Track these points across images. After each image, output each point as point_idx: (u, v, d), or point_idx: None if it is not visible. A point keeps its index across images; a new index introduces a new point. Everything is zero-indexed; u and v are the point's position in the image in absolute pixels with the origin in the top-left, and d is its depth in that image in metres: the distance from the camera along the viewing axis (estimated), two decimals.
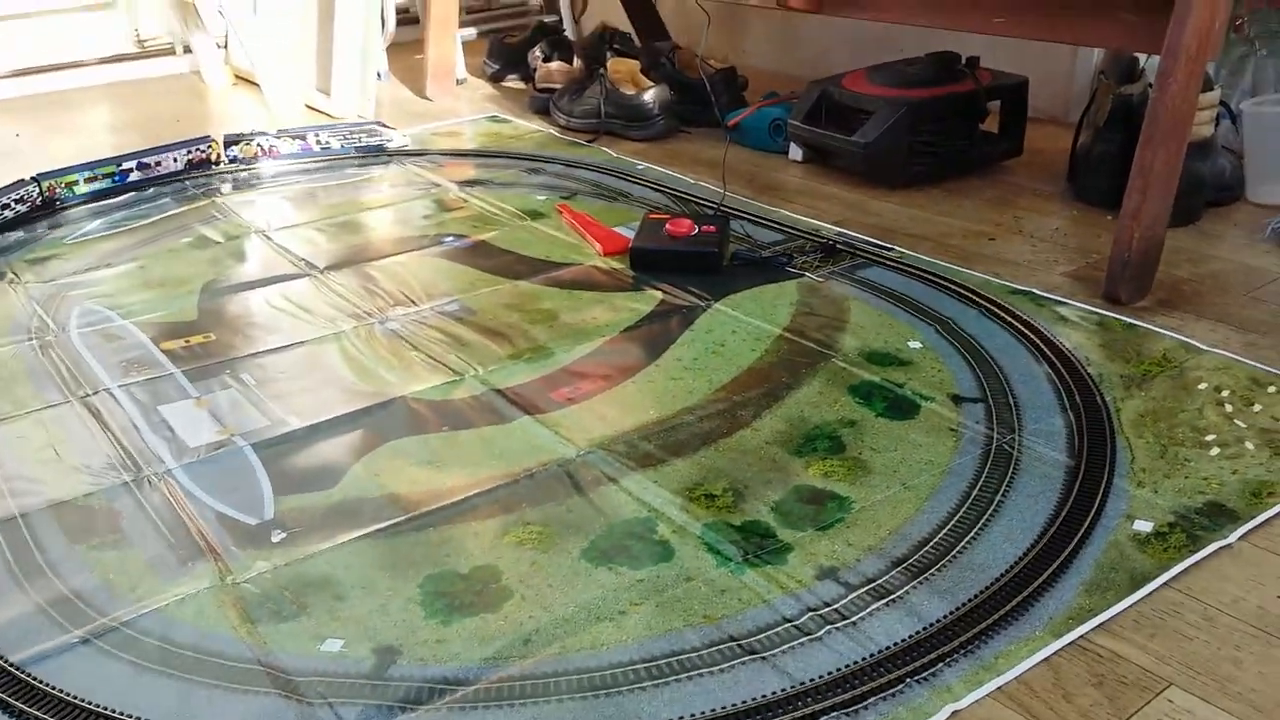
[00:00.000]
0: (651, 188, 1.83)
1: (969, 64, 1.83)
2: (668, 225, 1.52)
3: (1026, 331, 1.28)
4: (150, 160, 1.74)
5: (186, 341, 1.33)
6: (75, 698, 0.79)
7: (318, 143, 1.65)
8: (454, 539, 0.96)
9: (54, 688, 0.80)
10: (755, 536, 0.94)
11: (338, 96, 2.32)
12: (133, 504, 1.01)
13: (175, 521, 0.98)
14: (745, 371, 1.22)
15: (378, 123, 1.66)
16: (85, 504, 1.01)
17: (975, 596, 0.86)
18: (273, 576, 0.91)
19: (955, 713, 0.76)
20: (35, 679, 0.80)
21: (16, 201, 1.75)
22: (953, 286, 1.41)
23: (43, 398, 1.21)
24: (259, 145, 1.76)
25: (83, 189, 1.81)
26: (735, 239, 1.58)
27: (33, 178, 1.79)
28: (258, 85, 2.48)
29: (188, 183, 1.90)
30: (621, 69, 2.18)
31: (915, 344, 1.26)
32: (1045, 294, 1.38)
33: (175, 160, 1.77)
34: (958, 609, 0.85)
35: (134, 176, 1.82)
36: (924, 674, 0.79)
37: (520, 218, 1.71)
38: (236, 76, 2.68)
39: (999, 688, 0.78)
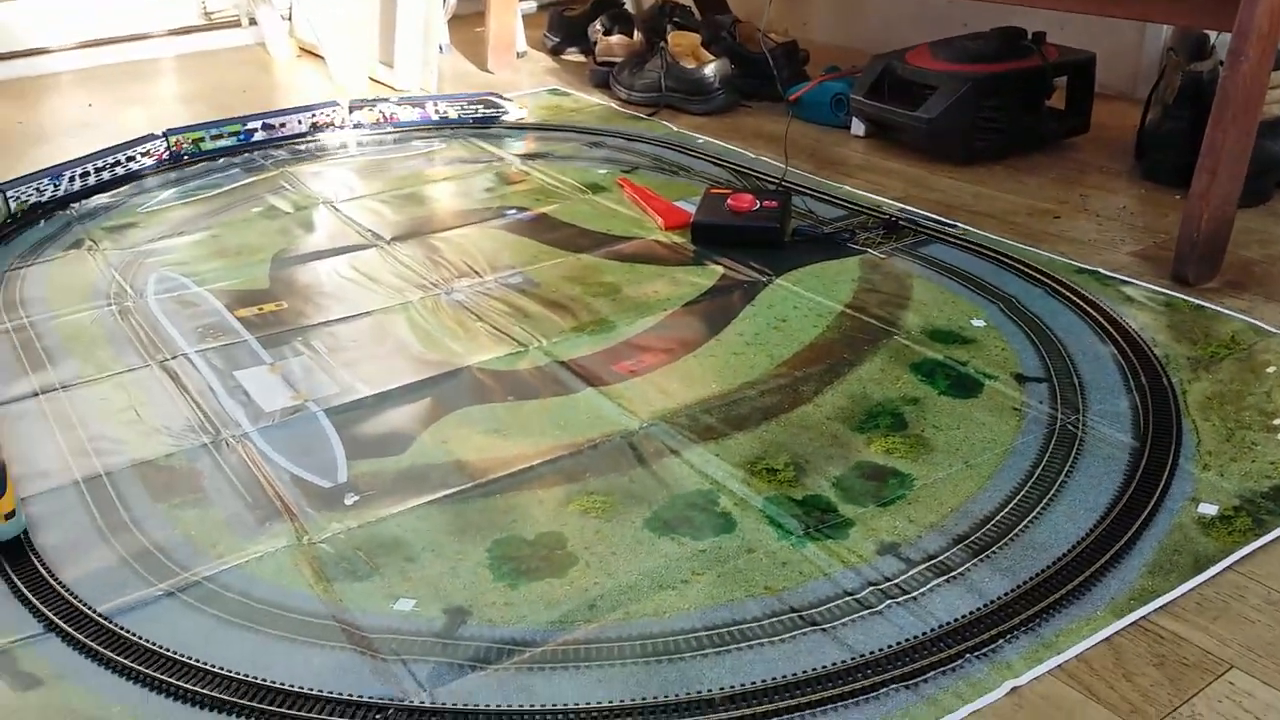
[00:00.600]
0: (712, 162, 1.83)
1: (1035, 39, 1.81)
2: (729, 200, 1.52)
3: (1092, 311, 1.27)
4: (275, 121, 1.79)
5: (259, 309, 1.36)
6: (159, 646, 0.82)
7: (436, 112, 1.67)
8: (520, 506, 0.98)
9: (139, 637, 0.83)
10: (816, 511, 0.95)
11: (400, 69, 2.34)
12: (212, 465, 1.04)
13: (252, 482, 1.01)
14: (806, 347, 1.23)
15: (494, 95, 1.68)
16: (166, 464, 1.05)
17: (1036, 575, 0.87)
18: (346, 537, 0.94)
19: (1015, 689, 0.76)
20: (121, 628, 0.84)
21: (143, 155, 1.83)
22: (1017, 264, 1.40)
23: (123, 361, 1.24)
24: (381, 111, 1.78)
25: (208, 145, 1.89)
26: (797, 214, 1.58)
27: (163, 133, 1.87)
28: (321, 58, 2.51)
29: (257, 154, 1.93)
30: (682, 42, 2.18)
31: (978, 322, 1.26)
32: (1111, 273, 1.37)
33: (300, 122, 1.82)
34: (1019, 587, 0.85)
35: (258, 136, 1.88)
36: (984, 650, 0.80)
37: (581, 191, 1.73)
38: (301, 49, 2.71)
39: (1059, 665, 0.78)
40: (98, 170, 1.83)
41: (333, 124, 1.83)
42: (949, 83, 1.73)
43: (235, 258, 1.52)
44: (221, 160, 1.90)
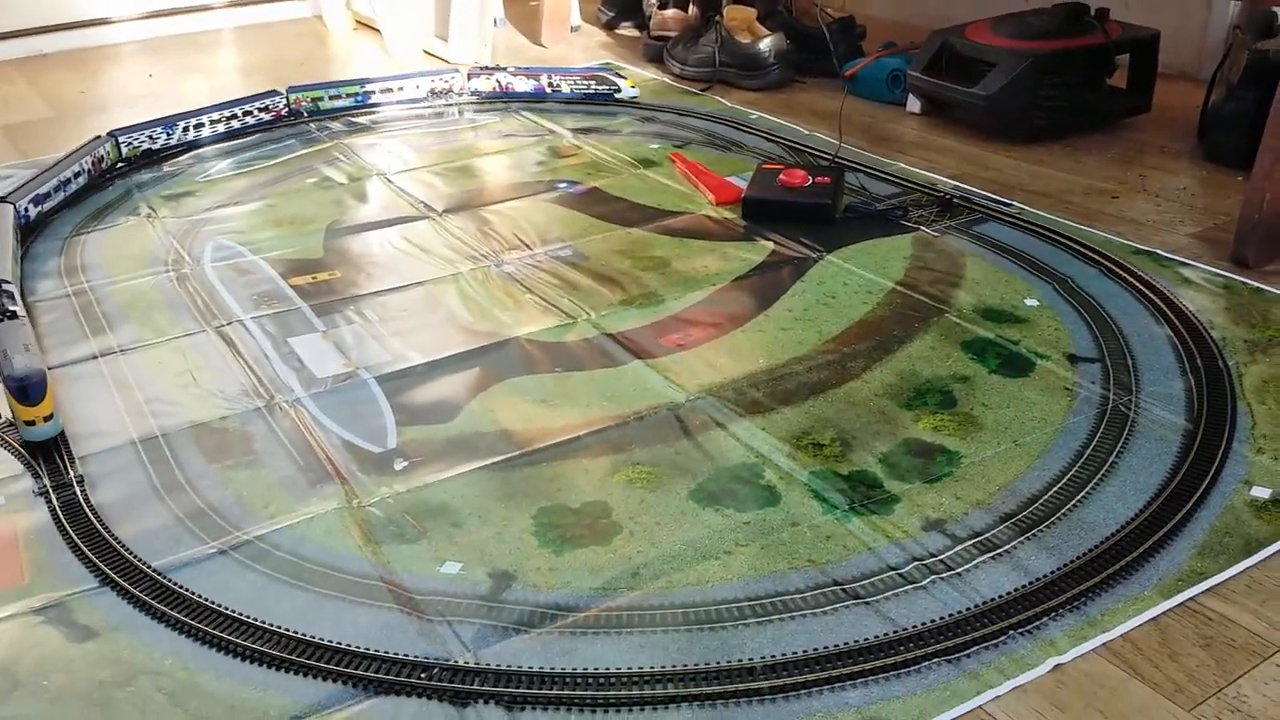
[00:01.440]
0: (765, 138, 1.82)
1: (1098, 15, 1.78)
2: (781, 176, 1.52)
3: (1148, 292, 1.25)
4: (394, 84, 1.82)
5: (313, 278, 1.38)
6: (211, 602, 0.84)
7: (549, 85, 1.67)
8: (565, 475, 0.98)
9: (192, 592, 0.85)
10: (862, 486, 0.95)
11: (455, 43, 2.35)
12: (265, 428, 1.06)
13: (304, 446, 1.03)
14: (856, 324, 1.22)
15: (611, 71, 1.68)
16: (221, 426, 1.07)
17: (1084, 554, 0.86)
18: (395, 501, 0.95)
19: (1058, 665, 0.76)
20: (175, 583, 0.86)
21: (261, 110, 1.90)
22: (1073, 244, 1.38)
23: (180, 326, 1.27)
24: (498, 80, 1.80)
25: (326, 105, 1.94)
26: (850, 191, 1.57)
27: (287, 89, 1.94)
28: (378, 31, 2.53)
29: (312, 125, 1.95)
30: (737, 17, 2.17)
31: (1032, 301, 1.25)
32: (1169, 255, 1.35)
33: (418, 87, 1.84)
34: (1065, 565, 0.85)
35: (375, 98, 1.92)
36: (1028, 627, 0.79)
37: (633, 165, 1.73)
38: (358, 22, 2.73)
39: (1104, 644, 0.78)
40: (212, 122, 1.89)
41: (450, 90, 1.84)
42: (1009, 59, 1.71)
43: (290, 227, 1.54)
44: (278, 131, 1.93)
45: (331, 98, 1.96)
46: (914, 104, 1.92)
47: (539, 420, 1.07)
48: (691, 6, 2.33)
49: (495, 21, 2.57)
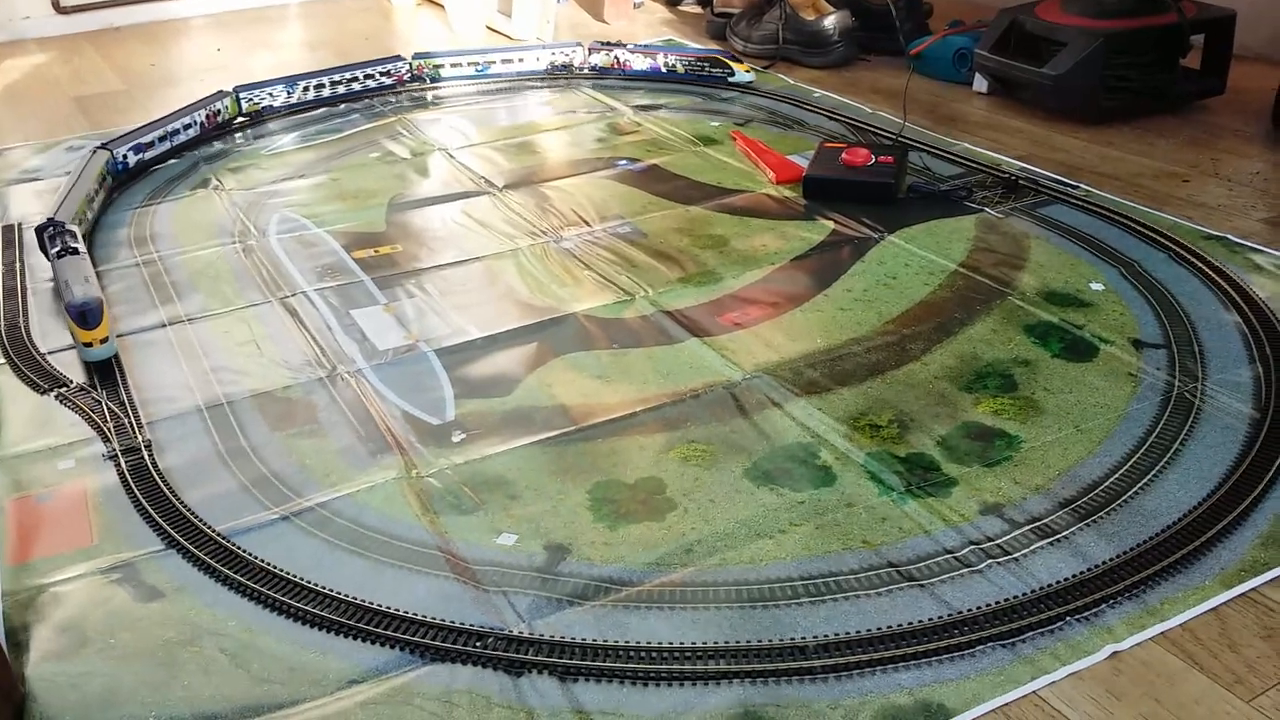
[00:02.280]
0: (827, 116, 1.81)
1: None
2: (844, 154, 1.50)
3: (1217, 278, 1.23)
4: (515, 56, 1.84)
5: (375, 251, 1.40)
6: (273, 566, 0.86)
7: (665, 65, 1.67)
8: (620, 451, 0.99)
9: (255, 556, 0.87)
10: (919, 469, 0.95)
11: (518, 18, 2.35)
12: (327, 398, 1.08)
13: (365, 417, 1.05)
14: (917, 305, 1.21)
15: (723, 55, 1.68)
16: (284, 395, 1.09)
17: (1144, 542, 0.85)
18: (453, 472, 0.96)
19: (1116, 653, 0.75)
20: (238, 548, 0.88)
21: (383, 74, 1.95)
22: (1141, 228, 1.36)
23: (245, 297, 1.29)
24: (617, 57, 1.81)
25: (447, 72, 1.97)
26: (913, 171, 1.55)
27: (412, 55, 1.98)
28: (441, 6, 2.54)
29: (375, 101, 1.97)
30: None
31: (1097, 285, 1.23)
32: (1240, 240, 1.32)
33: (538, 60, 1.87)
34: (1125, 553, 0.84)
35: (496, 69, 1.94)
36: (1085, 613, 0.78)
37: (693, 143, 1.72)
38: None
39: (1162, 633, 0.77)
40: (333, 83, 1.94)
41: (570, 64, 1.85)
42: (1079, 38, 1.67)
43: (353, 201, 1.56)
44: (343, 106, 1.95)
45: (452, 65, 1.99)
46: (980, 83, 1.89)
47: (595, 396, 1.07)
48: None
49: None
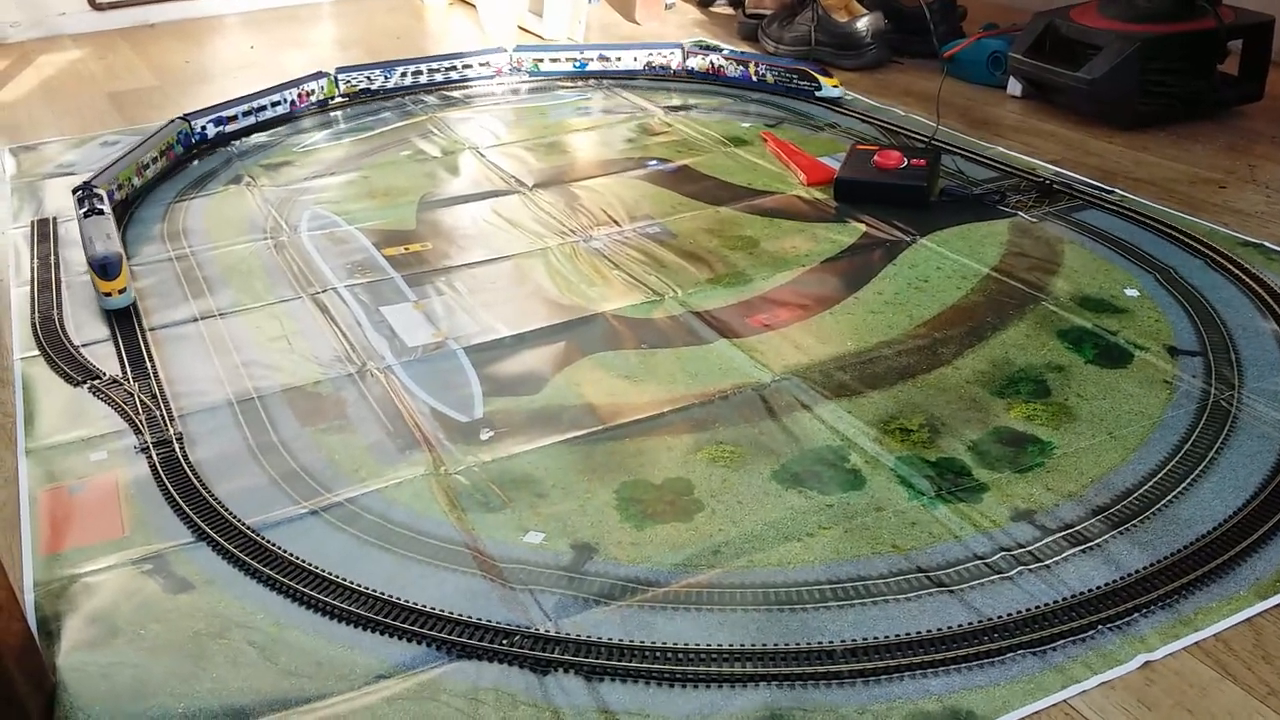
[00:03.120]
0: (859, 118, 1.80)
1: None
2: (876, 157, 1.49)
3: (1254, 286, 1.21)
4: (612, 55, 1.85)
5: (405, 248, 1.40)
6: (302, 561, 0.86)
7: (755, 73, 1.67)
8: (648, 451, 0.99)
9: (284, 550, 0.87)
10: (950, 473, 0.94)
11: (550, 18, 2.36)
12: (356, 394, 1.08)
13: (394, 413, 1.05)
14: (949, 309, 1.20)
15: (817, 68, 1.66)
16: (314, 391, 1.09)
17: (1178, 551, 0.84)
18: (481, 470, 0.96)
19: (1148, 662, 0.74)
20: (268, 541, 0.88)
21: (482, 64, 2.00)
22: (1176, 234, 1.34)
23: (277, 292, 1.30)
24: (712, 62, 1.80)
25: (546, 67, 2.00)
26: (945, 174, 1.54)
27: (514, 48, 2.02)
28: (473, 5, 2.55)
29: (407, 99, 1.98)
30: None
31: (1132, 291, 1.21)
32: (1277, 247, 1.30)
33: (635, 60, 1.88)
34: (1158, 562, 0.83)
35: (593, 67, 1.96)
36: (1117, 622, 0.77)
37: (723, 144, 1.72)
38: None
39: (1196, 643, 0.76)
40: (430, 70, 1.99)
41: (668, 65, 1.85)
42: (1115, 42, 1.66)
43: (384, 198, 1.56)
44: (374, 104, 1.96)
45: (552, 60, 2.00)
46: (1015, 87, 1.88)
47: (623, 396, 1.07)
48: None
49: None
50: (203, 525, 0.90)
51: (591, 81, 2.05)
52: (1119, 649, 0.75)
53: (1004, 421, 1.01)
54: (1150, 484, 0.91)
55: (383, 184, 1.61)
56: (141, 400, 1.08)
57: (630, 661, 0.76)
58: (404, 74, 1.98)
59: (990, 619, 0.78)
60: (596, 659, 0.76)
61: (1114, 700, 0.72)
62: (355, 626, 0.80)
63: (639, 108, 1.90)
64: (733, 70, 1.82)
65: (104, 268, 1.24)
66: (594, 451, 0.99)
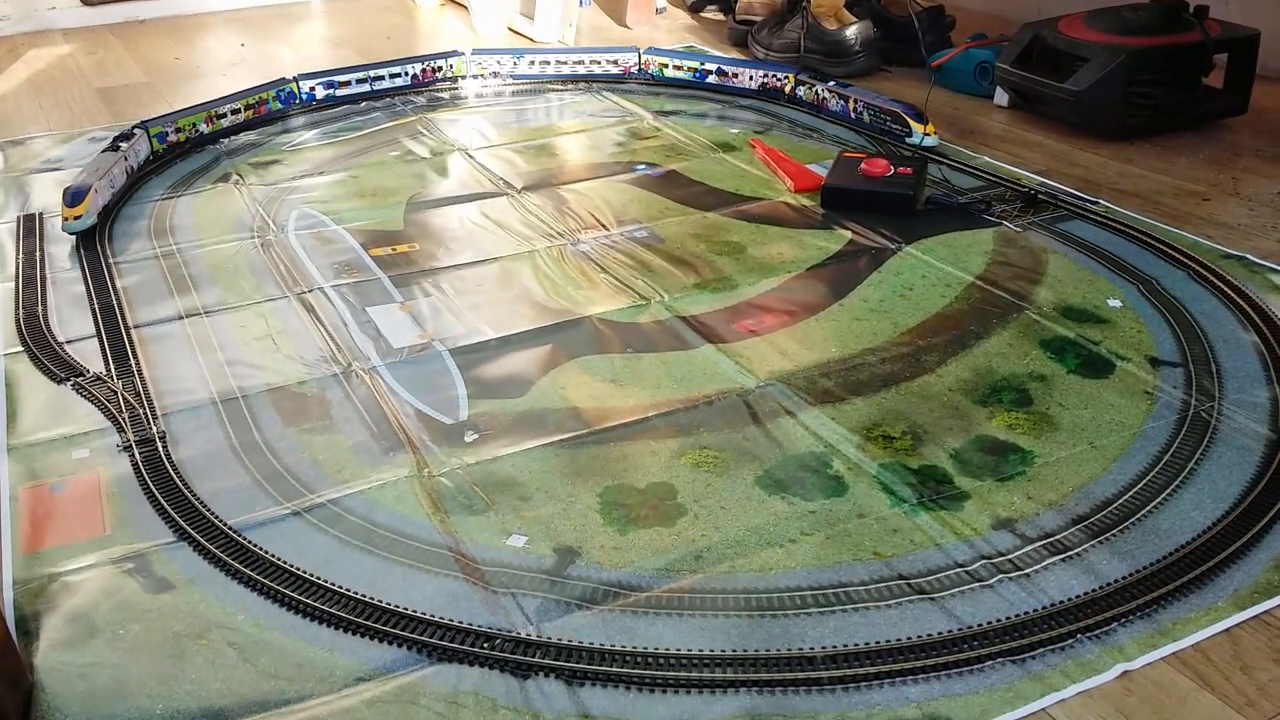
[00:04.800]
0: (847, 126, 1.80)
1: (1197, 13, 1.73)
2: (863, 165, 1.50)
3: (1236, 298, 1.22)
4: (731, 71, 1.85)
5: (393, 249, 1.40)
6: (284, 562, 0.86)
7: (854, 109, 1.65)
8: (632, 455, 0.99)
9: (265, 551, 0.87)
10: (932, 481, 0.94)
11: (541, 21, 2.36)
12: (341, 395, 1.08)
13: (379, 414, 1.05)
14: (933, 317, 1.21)
15: (910, 112, 1.61)
16: (299, 390, 1.09)
17: (1157, 561, 0.84)
18: (464, 472, 0.96)
19: (1126, 672, 0.75)
20: (249, 542, 0.88)
21: (610, 63, 2.05)
22: (1160, 246, 1.35)
23: (263, 291, 1.30)
24: (817, 92, 1.77)
25: (669, 73, 2.00)
26: (932, 183, 1.55)
27: (646, 50, 2.03)
28: (464, 6, 2.55)
29: (397, 100, 1.98)
30: (824, 3, 2.15)
31: (1115, 302, 1.22)
32: (1260, 260, 1.31)
33: (750, 78, 1.89)
34: (1137, 572, 0.83)
35: (711, 79, 1.96)
36: (1096, 631, 0.78)
37: (712, 149, 1.72)
38: None
39: (1174, 653, 0.76)
40: (559, 62, 2.05)
41: (782, 88, 1.85)
42: (1102, 54, 1.67)
43: (372, 199, 1.56)
44: (364, 104, 1.95)
45: (675, 67, 2.00)
46: (1001, 97, 1.89)
47: (608, 399, 1.07)
48: None
49: (580, 1, 2.57)
50: (184, 525, 0.90)
51: (581, 84, 2.05)
52: (1098, 658, 0.76)
53: (986, 430, 1.01)
54: (1130, 494, 0.92)
55: (371, 184, 1.61)
56: (125, 398, 1.08)
57: (611, 666, 0.76)
58: (531, 62, 2.03)
59: (970, 627, 0.79)
60: (578, 663, 0.76)
61: (1092, 709, 0.72)
62: (336, 628, 0.80)
63: (628, 112, 1.91)
64: (834, 104, 1.80)
65: (73, 196, 1.42)
66: (578, 455, 0.99)
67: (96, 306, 1.26)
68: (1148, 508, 0.90)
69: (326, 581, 0.84)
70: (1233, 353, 1.12)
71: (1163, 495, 0.91)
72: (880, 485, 0.94)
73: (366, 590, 0.83)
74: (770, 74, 1.93)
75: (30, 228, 1.48)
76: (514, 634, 0.79)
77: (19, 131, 1.87)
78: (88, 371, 1.13)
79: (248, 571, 0.85)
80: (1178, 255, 1.32)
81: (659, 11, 2.60)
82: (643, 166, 1.66)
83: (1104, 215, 1.44)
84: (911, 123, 1.69)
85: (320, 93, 1.93)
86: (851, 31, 2.07)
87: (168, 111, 1.78)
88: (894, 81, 2.05)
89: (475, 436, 1.01)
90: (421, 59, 2.03)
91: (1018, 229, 1.41)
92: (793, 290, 1.28)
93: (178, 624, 0.80)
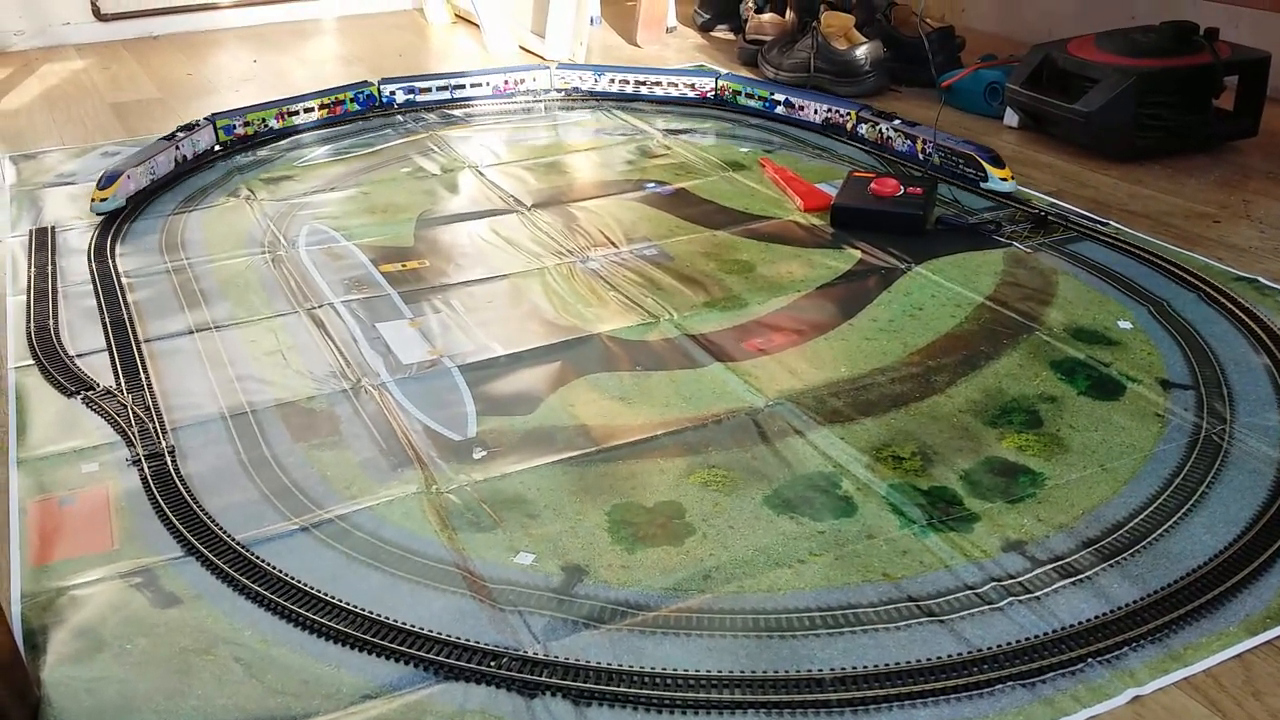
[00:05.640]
0: (856, 146, 1.81)
1: (1207, 35, 1.73)
2: (873, 184, 1.50)
3: (1247, 320, 1.22)
4: (796, 102, 1.83)
5: (403, 265, 1.40)
6: (291, 577, 0.86)
7: (922, 150, 1.61)
8: (641, 473, 0.99)
9: (273, 566, 0.87)
10: (941, 502, 0.94)
11: (551, 39, 2.37)
12: (350, 410, 1.08)
13: (387, 430, 1.05)
14: (943, 337, 1.20)
15: (985, 155, 1.54)
16: (308, 406, 1.09)
17: (1168, 585, 0.84)
18: (473, 489, 0.96)
19: (1137, 697, 0.74)
20: (257, 557, 0.88)
21: (687, 86, 2.03)
22: (1170, 267, 1.35)
23: (273, 307, 1.30)
24: (881, 131, 1.72)
25: (742, 100, 1.98)
26: (942, 203, 1.55)
27: (726, 74, 2.01)
28: (476, 25, 2.56)
29: (407, 117, 1.99)
30: (835, 23, 2.15)
31: (1125, 324, 1.22)
32: (1271, 283, 1.31)
33: (815, 112, 1.87)
34: (1148, 596, 0.83)
35: (779, 110, 1.93)
36: (1107, 655, 0.77)
37: (722, 168, 1.73)
38: (456, 15, 2.77)
39: (1186, 678, 0.76)
40: (637, 82, 2.06)
41: (842, 125, 1.79)
42: (1112, 76, 1.67)
43: (383, 215, 1.57)
44: (376, 121, 1.96)
45: (747, 95, 1.97)
46: (1011, 118, 1.89)
47: (617, 417, 1.07)
48: (789, 11, 2.32)
49: (591, 20, 2.59)
50: (192, 540, 0.90)
51: (591, 102, 2.06)
52: (1108, 683, 0.75)
53: (996, 451, 1.01)
54: (1141, 517, 0.91)
55: (382, 200, 1.62)
56: (134, 412, 1.08)
57: (619, 686, 0.75)
58: (612, 80, 2.04)
59: (980, 650, 0.78)
60: (585, 683, 0.76)
61: None
62: (343, 645, 0.79)
63: (638, 130, 1.91)
64: (900, 143, 1.71)
65: (106, 180, 1.53)
66: (586, 473, 0.99)
67: (107, 320, 1.27)
68: (1159, 531, 0.90)
69: (334, 598, 0.84)
70: (1244, 376, 1.11)
71: (1174, 519, 0.91)
72: (890, 506, 0.94)
73: (374, 607, 0.83)
74: (833, 109, 1.87)
75: (42, 241, 1.49)
76: (521, 653, 0.78)
77: (32, 146, 1.88)
78: (98, 385, 1.13)
79: (255, 587, 0.85)
80: (1188, 277, 1.32)
81: (669, 30, 2.62)
82: (652, 184, 1.67)
83: (1114, 237, 1.44)
84: (988, 166, 1.58)
85: (400, 97, 1.97)
86: (861, 51, 2.07)
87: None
88: (904, 101, 2.06)
89: (484, 453, 1.01)
90: (504, 71, 2.06)
91: (1028, 250, 1.41)
92: (802, 309, 1.28)
93: (185, 639, 0.80)
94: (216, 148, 1.79)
